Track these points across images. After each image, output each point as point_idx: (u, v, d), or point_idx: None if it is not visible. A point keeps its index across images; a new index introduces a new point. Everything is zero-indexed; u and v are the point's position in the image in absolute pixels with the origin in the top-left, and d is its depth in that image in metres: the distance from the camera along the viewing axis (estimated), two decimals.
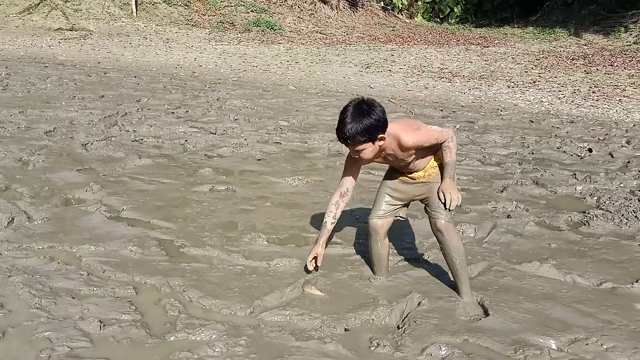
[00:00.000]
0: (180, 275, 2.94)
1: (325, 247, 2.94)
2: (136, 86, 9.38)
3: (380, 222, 2.95)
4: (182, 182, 4.57)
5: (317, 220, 3.83)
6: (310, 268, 2.90)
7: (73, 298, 2.67)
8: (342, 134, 2.55)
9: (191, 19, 19.34)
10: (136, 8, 18.90)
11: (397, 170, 2.93)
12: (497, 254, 3.45)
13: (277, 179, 4.80)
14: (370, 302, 2.75)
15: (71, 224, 3.57)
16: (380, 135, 2.57)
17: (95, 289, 2.77)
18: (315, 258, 2.87)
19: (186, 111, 7.44)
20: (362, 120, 2.51)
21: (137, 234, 3.45)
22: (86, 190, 4.18)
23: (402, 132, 2.66)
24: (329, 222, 2.90)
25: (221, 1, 20.78)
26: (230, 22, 19.57)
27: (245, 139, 6.09)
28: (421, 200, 2.98)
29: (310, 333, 2.48)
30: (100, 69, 11.48)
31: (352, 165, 2.87)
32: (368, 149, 2.60)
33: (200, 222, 3.73)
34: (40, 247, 3.22)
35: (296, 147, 5.97)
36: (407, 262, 3.27)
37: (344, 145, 2.64)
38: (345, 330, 2.54)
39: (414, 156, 2.77)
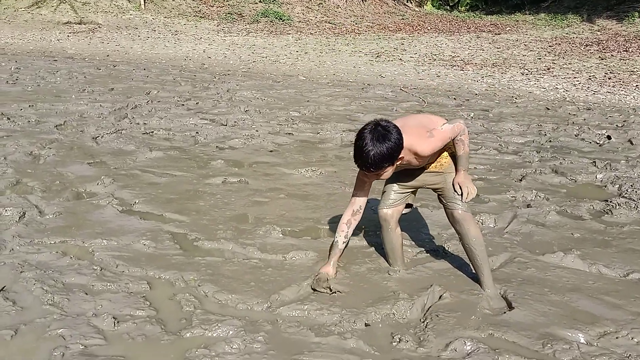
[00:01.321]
0: (194, 269, 2.87)
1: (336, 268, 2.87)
2: (145, 79, 9.33)
3: (390, 211, 2.87)
4: (194, 174, 4.50)
5: (332, 212, 3.76)
6: (323, 291, 2.71)
7: (86, 294, 2.61)
8: (365, 163, 2.44)
9: (199, 11, 19.25)
10: (144, 0, 18.83)
11: None
12: (519, 244, 3.36)
13: (290, 171, 4.72)
14: (390, 295, 2.67)
15: (83, 218, 3.51)
16: (399, 156, 2.50)
17: (108, 284, 2.71)
18: (327, 280, 2.76)
19: (196, 103, 7.37)
20: (382, 145, 2.40)
21: (150, 228, 3.39)
22: (97, 184, 4.13)
23: (417, 143, 2.57)
24: (341, 241, 2.82)
25: None
26: (239, 13, 19.46)
27: (257, 130, 6.01)
28: (434, 190, 2.90)
29: (329, 328, 2.40)
30: (109, 61, 11.44)
31: (365, 183, 2.79)
32: (389, 171, 2.54)
33: (213, 214, 3.66)
34: (52, 242, 3.16)
35: (308, 138, 5.88)
36: (426, 254, 3.18)
37: (364, 171, 2.54)
38: (366, 325, 2.46)
39: (429, 159, 2.71)
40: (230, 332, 2.34)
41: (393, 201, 2.87)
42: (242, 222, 3.55)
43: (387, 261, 3.01)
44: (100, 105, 6.94)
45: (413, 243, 3.32)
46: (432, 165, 2.81)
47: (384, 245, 2.97)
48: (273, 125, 6.35)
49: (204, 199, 3.95)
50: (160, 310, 2.51)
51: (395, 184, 2.87)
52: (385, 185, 2.90)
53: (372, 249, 3.23)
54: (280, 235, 3.35)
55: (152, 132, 5.81)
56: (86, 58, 11.91)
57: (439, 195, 2.90)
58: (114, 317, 2.41)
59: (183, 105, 7.21)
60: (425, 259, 3.12)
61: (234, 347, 2.24)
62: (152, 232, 3.33)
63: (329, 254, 2.87)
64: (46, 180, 4.18)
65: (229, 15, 19.14)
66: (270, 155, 5.18)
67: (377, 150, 2.40)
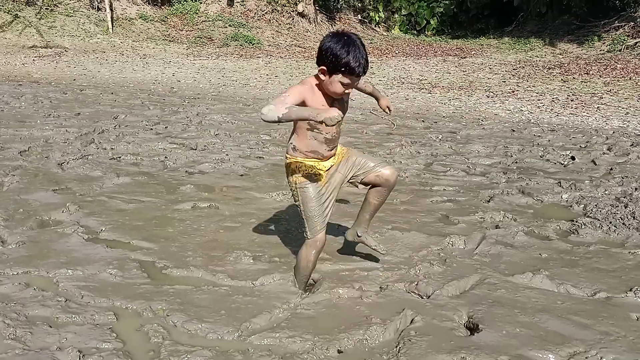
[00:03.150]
0: (163, 298, 2.80)
1: None
2: (113, 103, 9.22)
3: (324, 234, 2.87)
4: (162, 200, 4.43)
5: (303, 236, 3.73)
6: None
7: (50, 327, 2.52)
8: (366, 66, 2.56)
9: (168, 35, 19.21)
10: (112, 24, 18.71)
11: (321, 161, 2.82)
12: (489, 265, 3.39)
13: (261, 195, 4.69)
14: (362, 320, 2.65)
15: (47, 248, 3.41)
16: None
17: (73, 316, 2.63)
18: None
19: (165, 127, 7.31)
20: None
21: (117, 256, 3.31)
22: (63, 211, 4.03)
23: None
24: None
25: (199, 16, 20.69)
26: (208, 37, 19.48)
27: (227, 154, 5.97)
28: (351, 179, 2.98)
29: (302, 356, 2.36)
30: (76, 86, 11.28)
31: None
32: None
33: (182, 241, 3.60)
34: (15, 273, 3.06)
35: (279, 162, 5.87)
36: (397, 278, 3.18)
37: (358, 78, 2.60)
38: (339, 352, 2.43)
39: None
40: None
41: (325, 221, 2.86)
42: (212, 249, 3.50)
43: (300, 285, 2.98)
44: (66, 130, 6.82)
45: (384, 266, 3.32)
46: (338, 149, 2.91)
47: (307, 269, 2.91)
48: (244, 148, 6.33)
49: (172, 225, 3.89)
50: (128, 342, 2.44)
51: (320, 205, 2.81)
52: (307, 209, 2.81)
53: (344, 273, 3.22)
54: (251, 261, 3.31)
55: (120, 157, 5.72)
56: (52, 82, 11.71)
57: (361, 179, 2.99)
58: (79, 351, 2.33)
59: (151, 129, 7.14)
60: (396, 283, 3.11)
61: None
62: (119, 260, 3.25)
63: (303, 114, 2.43)
64: (9, 208, 4.06)
65: (198, 39, 19.15)
66: (241, 180, 5.15)
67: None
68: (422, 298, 2.96)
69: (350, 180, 3.02)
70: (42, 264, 3.15)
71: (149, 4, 20.55)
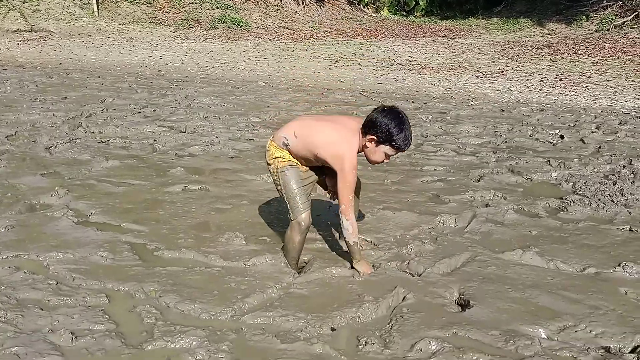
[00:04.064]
0: (155, 280, 2.80)
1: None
2: (100, 86, 9.10)
3: (308, 214, 2.94)
4: (152, 183, 4.41)
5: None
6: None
7: (42, 309, 2.51)
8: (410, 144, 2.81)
9: (155, 17, 18.94)
10: (97, 7, 18.41)
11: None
12: (479, 243, 3.41)
13: (252, 177, 4.68)
14: (355, 299, 2.67)
15: (37, 231, 3.38)
16: None
17: (65, 298, 2.61)
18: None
19: (154, 110, 7.24)
20: None
21: (108, 239, 3.29)
22: (52, 195, 3.99)
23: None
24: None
25: None
26: (196, 19, 19.24)
27: (217, 137, 5.94)
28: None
29: (295, 334, 2.38)
30: (62, 70, 11.12)
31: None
32: None
33: (174, 223, 3.59)
34: (5, 257, 3.03)
35: None
36: (389, 256, 3.19)
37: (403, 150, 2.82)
38: (332, 329, 2.45)
39: None
40: (194, 343, 2.28)
41: (309, 202, 2.95)
42: (203, 230, 3.49)
43: (290, 263, 3.02)
44: (53, 114, 6.73)
45: (376, 245, 3.33)
46: None
47: (295, 248, 2.97)
48: (233, 131, 6.29)
49: (163, 207, 3.87)
50: (120, 324, 2.44)
51: (303, 187, 2.92)
52: (291, 192, 2.90)
53: (334, 253, 3.23)
54: (243, 242, 3.30)
55: (108, 140, 5.67)
56: (37, 66, 11.54)
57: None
58: (71, 333, 2.32)
59: (140, 112, 7.07)
60: (388, 261, 3.13)
61: (197, 357, 2.19)
62: (110, 243, 3.23)
63: (355, 252, 2.90)
64: None
65: (185, 21, 18.91)
66: (231, 162, 5.12)
67: None
68: (413, 276, 2.97)
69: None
70: (32, 248, 3.13)
71: None
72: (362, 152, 2.84)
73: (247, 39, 16.89)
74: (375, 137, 2.74)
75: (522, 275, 2.99)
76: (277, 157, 2.91)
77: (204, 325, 2.43)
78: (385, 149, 2.76)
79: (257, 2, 21.47)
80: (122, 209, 3.83)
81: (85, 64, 12.20)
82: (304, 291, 2.75)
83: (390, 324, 2.48)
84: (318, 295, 2.72)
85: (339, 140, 2.78)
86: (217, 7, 20.21)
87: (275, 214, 3.82)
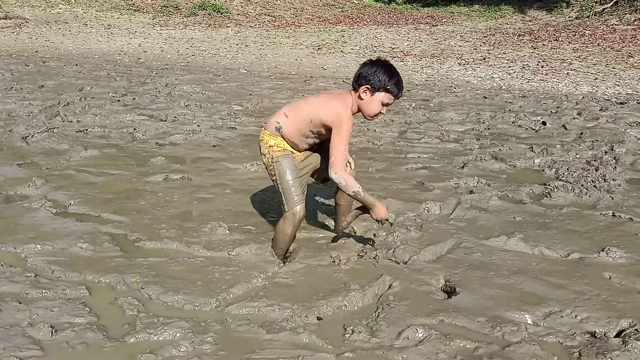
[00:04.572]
0: (137, 271, 2.74)
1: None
2: (78, 74, 8.92)
3: (303, 206, 2.87)
4: (133, 172, 4.32)
5: (279, 206, 3.68)
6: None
7: (20, 303, 2.44)
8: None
9: (133, 4, 18.61)
10: None
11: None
12: (464, 230, 3.40)
13: (235, 165, 4.62)
14: (341, 287, 2.64)
15: (14, 223, 3.29)
16: None
17: (44, 291, 2.54)
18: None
19: (133, 99, 7.11)
20: None
21: (87, 230, 3.22)
22: (29, 186, 3.89)
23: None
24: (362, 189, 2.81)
25: None
26: (175, 6, 18.95)
27: (198, 125, 5.85)
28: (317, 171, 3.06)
29: (281, 324, 2.34)
30: (38, 58, 10.88)
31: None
32: None
33: (155, 213, 3.52)
34: None
35: (252, 132, 5.78)
36: (374, 244, 3.17)
37: (396, 99, 2.80)
38: (318, 318, 2.42)
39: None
40: (178, 335, 2.24)
41: (304, 194, 2.89)
42: (186, 220, 3.43)
43: (278, 254, 2.97)
44: (30, 103, 6.57)
45: (360, 233, 3.30)
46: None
47: (285, 240, 2.92)
48: (215, 119, 6.21)
49: (144, 197, 3.80)
50: (102, 316, 2.38)
51: (297, 178, 2.85)
52: (286, 184, 2.83)
53: (321, 241, 3.20)
54: (227, 231, 3.25)
55: (87, 129, 5.55)
56: (13, 54, 11.27)
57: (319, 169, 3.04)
58: (51, 326, 2.26)
59: (119, 101, 6.94)
60: (373, 249, 3.11)
61: (181, 350, 2.15)
62: (90, 234, 3.16)
63: (365, 200, 2.77)
64: None
65: (164, 8, 18.61)
66: (214, 150, 5.05)
67: None
68: (399, 264, 2.95)
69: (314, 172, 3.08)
70: (9, 240, 3.04)
71: None
72: (358, 111, 2.80)
73: (228, 26, 16.69)
74: (368, 87, 2.72)
75: (507, 261, 2.99)
76: (272, 146, 2.84)
77: (187, 316, 2.38)
78: (381, 96, 2.73)
79: None
80: (102, 199, 3.75)
81: (62, 51, 11.95)
82: (290, 280, 2.72)
83: (377, 312, 2.46)
84: (304, 285, 2.69)
85: (331, 99, 2.78)
86: None
87: (260, 202, 3.78)
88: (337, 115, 2.71)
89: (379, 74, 2.71)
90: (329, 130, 2.75)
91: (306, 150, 2.94)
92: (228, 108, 6.83)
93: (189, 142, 5.26)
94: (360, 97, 2.75)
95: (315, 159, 2.99)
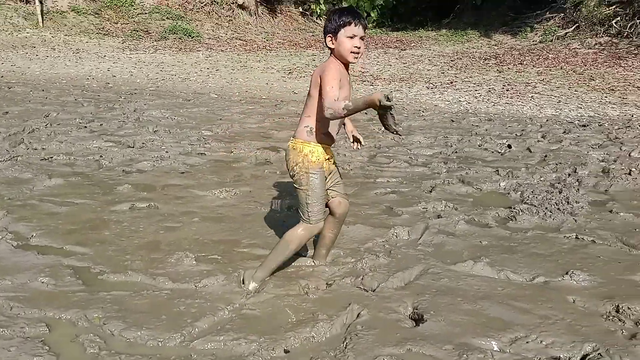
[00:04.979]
0: (99, 306, 2.67)
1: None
2: (44, 100, 8.78)
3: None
4: (98, 201, 4.24)
5: (248, 234, 3.67)
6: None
7: None
8: (362, 17, 2.84)
9: (103, 28, 18.50)
10: (42, 18, 17.85)
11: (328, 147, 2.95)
12: (432, 255, 3.43)
13: (204, 192, 4.58)
14: (309, 318, 2.62)
15: None
16: None
17: (1, 329, 2.46)
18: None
19: (100, 124, 7.02)
20: None
21: (49, 263, 3.14)
22: None
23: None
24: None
25: (134, 8, 20.03)
26: (145, 30, 18.91)
27: (167, 152, 5.80)
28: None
29: (247, 359, 2.31)
30: (3, 83, 10.68)
31: (341, 77, 2.78)
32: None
33: (120, 244, 3.45)
34: None
35: (222, 158, 5.76)
36: (344, 273, 3.16)
37: (362, 30, 2.81)
38: (285, 351, 2.39)
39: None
40: None
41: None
42: (151, 251, 3.37)
43: (270, 268, 2.97)
44: None
45: (330, 260, 3.29)
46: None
47: (295, 250, 2.98)
48: (184, 145, 6.16)
49: (109, 227, 3.73)
50: (61, 355, 2.31)
51: (325, 194, 2.96)
52: (319, 196, 2.88)
53: (289, 269, 3.17)
54: (194, 262, 3.21)
55: (52, 157, 5.45)
56: None
57: (332, 189, 3.06)
58: None
59: (86, 127, 6.84)
60: (342, 277, 3.10)
61: None
62: (52, 267, 3.08)
63: (358, 107, 2.55)
64: None
65: (134, 32, 18.55)
66: (182, 177, 5.00)
67: None
68: (367, 292, 2.95)
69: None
70: None
71: None
72: (344, 62, 2.83)
73: (199, 50, 16.70)
74: (329, 34, 2.82)
75: (474, 286, 3.01)
76: (307, 154, 2.85)
77: (151, 353, 2.32)
78: (342, 33, 2.77)
79: (209, 12, 21.31)
80: (65, 230, 3.66)
81: (28, 76, 11.77)
82: (257, 312, 2.68)
83: (345, 343, 2.45)
84: (271, 316, 2.66)
85: (318, 67, 2.86)
86: (167, 18, 19.94)
87: (228, 231, 3.74)
88: (322, 66, 2.81)
89: (330, 20, 2.84)
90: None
91: (336, 138, 2.97)
92: (197, 133, 6.79)
93: (157, 169, 5.20)
94: (331, 49, 2.83)
95: (334, 177, 3.06)
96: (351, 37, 2.78)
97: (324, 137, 2.89)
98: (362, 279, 3.07)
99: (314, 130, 2.86)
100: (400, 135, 2.68)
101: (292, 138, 2.96)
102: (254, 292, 2.87)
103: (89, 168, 5.17)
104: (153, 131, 6.77)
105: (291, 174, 2.93)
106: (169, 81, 11.87)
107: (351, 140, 3.18)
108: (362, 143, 3.15)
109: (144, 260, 3.22)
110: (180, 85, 11.37)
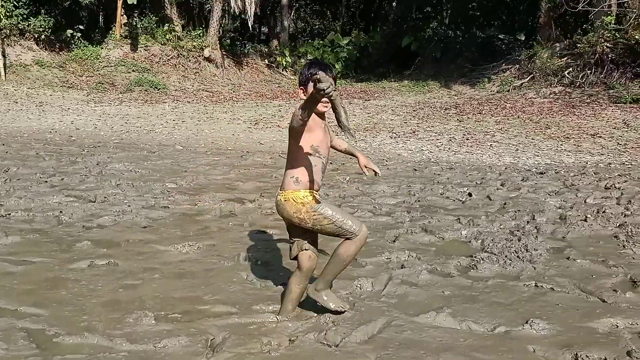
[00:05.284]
0: None
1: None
2: (4, 154, 8.63)
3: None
4: (56, 259, 4.14)
5: (210, 289, 3.62)
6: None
7: None
8: (332, 71, 2.97)
9: (67, 81, 18.47)
10: (5, 71, 17.73)
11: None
12: (395, 307, 3.43)
13: (166, 247, 4.51)
14: None
15: None
16: None
17: None
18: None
19: (62, 179, 6.91)
20: None
21: (2, 327, 3.02)
22: None
23: None
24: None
25: (100, 61, 20.11)
26: (111, 82, 18.94)
27: (129, 205, 5.73)
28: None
29: None
30: None
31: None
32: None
33: (77, 304, 3.36)
34: None
35: (186, 211, 5.71)
36: (307, 328, 3.13)
37: (331, 84, 2.71)
38: None
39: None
40: None
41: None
42: (110, 310, 3.28)
43: (330, 280, 3.21)
44: None
45: (294, 316, 3.26)
46: None
47: (350, 260, 3.13)
48: (147, 198, 6.10)
49: (66, 286, 3.63)
50: None
51: (341, 210, 3.13)
52: (340, 215, 3.01)
53: (252, 327, 3.13)
54: (153, 321, 3.13)
55: (9, 214, 5.31)
56: None
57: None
58: None
59: (46, 182, 6.73)
60: (305, 333, 3.06)
61: None
62: (4, 331, 2.96)
63: (309, 104, 2.75)
64: None
65: (99, 85, 18.56)
66: (144, 232, 4.93)
67: None
68: (331, 347, 2.93)
69: None
70: None
71: (45, 49, 19.73)
72: (317, 113, 2.95)
73: (165, 102, 16.77)
74: (301, 87, 3.00)
75: (437, 338, 3.02)
76: (302, 199, 2.97)
77: None
78: (311, 85, 2.83)
79: (175, 65, 21.54)
80: (21, 290, 3.55)
81: None
82: None
83: None
84: None
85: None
86: (133, 71, 20.06)
87: (190, 287, 3.69)
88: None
89: (301, 74, 3.01)
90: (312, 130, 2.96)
91: (321, 182, 3.10)
92: (161, 186, 6.75)
93: (118, 224, 5.12)
94: (303, 99, 2.91)
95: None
96: (318, 92, 2.89)
97: (310, 184, 3.00)
98: (325, 333, 3.04)
99: (300, 179, 2.98)
100: (352, 135, 2.73)
101: (280, 191, 3.06)
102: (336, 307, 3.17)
103: (48, 224, 5.06)
104: (115, 185, 6.70)
105: (300, 223, 3.03)
106: (134, 133, 11.83)
107: (367, 173, 3.33)
108: (378, 172, 3.39)
109: (102, 320, 3.13)
110: (145, 137, 11.34)
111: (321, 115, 3.02)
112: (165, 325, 3.10)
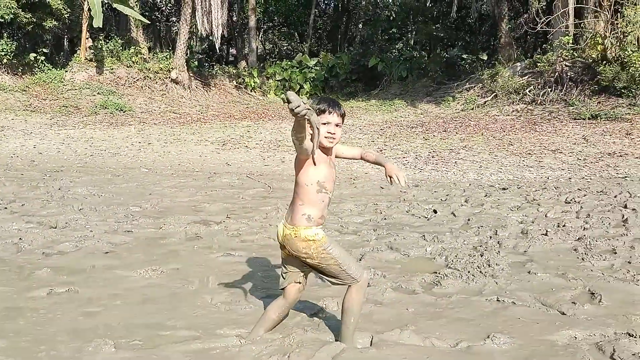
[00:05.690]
0: None
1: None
2: None
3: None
4: (14, 288, 4.02)
5: (173, 314, 3.57)
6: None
7: None
8: (340, 107, 3.03)
9: (30, 105, 18.13)
10: None
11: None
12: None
13: (128, 272, 4.43)
14: None
15: None
16: None
17: None
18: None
19: (22, 205, 6.75)
20: None
21: None
22: None
23: None
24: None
25: (64, 85, 19.82)
26: (75, 105, 18.66)
27: (91, 231, 5.62)
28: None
29: None
30: None
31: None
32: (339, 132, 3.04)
33: (35, 334, 3.26)
34: None
35: (150, 234, 5.63)
36: (271, 351, 3.11)
37: (337, 118, 2.99)
38: None
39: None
40: None
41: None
42: (68, 340, 3.19)
43: (352, 334, 3.15)
44: None
45: (258, 339, 3.24)
46: None
47: (360, 308, 3.13)
48: (110, 223, 6.00)
49: (24, 316, 3.52)
50: None
51: (348, 253, 3.16)
52: (346, 258, 3.07)
53: (215, 352, 3.09)
54: (113, 349, 3.06)
55: None
56: None
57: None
58: None
59: (6, 208, 6.55)
60: (269, 356, 3.04)
61: None
62: None
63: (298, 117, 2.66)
64: None
65: (63, 108, 18.27)
66: (106, 257, 4.84)
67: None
68: None
69: None
70: None
71: (8, 73, 19.37)
72: (322, 148, 2.98)
73: (131, 124, 16.60)
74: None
75: (401, 356, 3.04)
76: (314, 237, 2.97)
77: None
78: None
79: (142, 87, 21.37)
80: None
81: None
82: None
83: None
84: None
85: None
86: (98, 93, 19.83)
87: (153, 313, 3.62)
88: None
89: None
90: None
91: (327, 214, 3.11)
92: (125, 210, 6.65)
93: (79, 250, 5.01)
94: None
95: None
96: (325, 124, 2.99)
97: (320, 220, 3.03)
98: (289, 356, 3.02)
99: (312, 217, 2.99)
100: (313, 153, 2.81)
101: (289, 225, 3.02)
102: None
103: (6, 252, 4.92)
104: (78, 210, 6.57)
105: (306, 259, 3.03)
106: (98, 157, 11.66)
107: (392, 183, 3.26)
108: (402, 184, 3.27)
109: (60, 350, 3.05)
110: (110, 161, 11.19)
111: (326, 151, 3.04)
112: (126, 352, 3.04)
